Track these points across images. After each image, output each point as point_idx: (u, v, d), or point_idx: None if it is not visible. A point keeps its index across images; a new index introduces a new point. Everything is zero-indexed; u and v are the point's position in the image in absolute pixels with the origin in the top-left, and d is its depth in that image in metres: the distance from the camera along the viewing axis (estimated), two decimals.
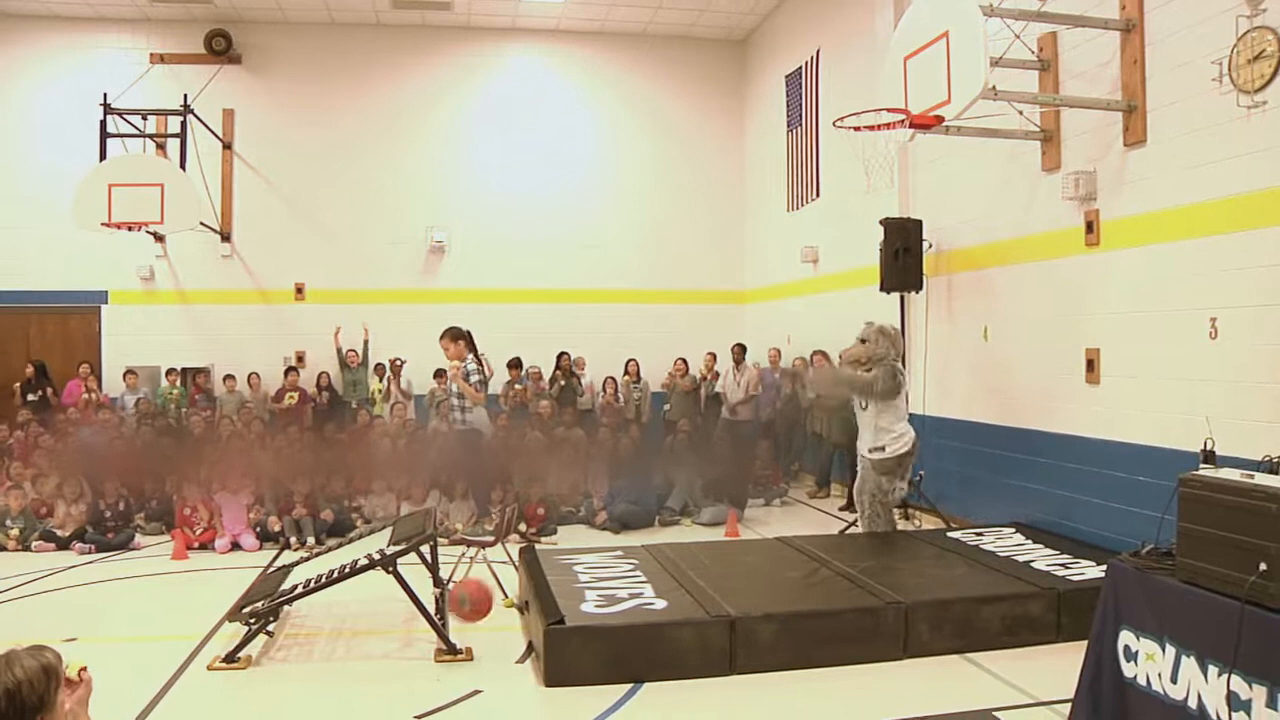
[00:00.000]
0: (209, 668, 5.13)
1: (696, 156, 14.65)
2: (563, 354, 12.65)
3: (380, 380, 12.68)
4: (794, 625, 5.12)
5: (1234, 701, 3.32)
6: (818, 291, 11.74)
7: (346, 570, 5.53)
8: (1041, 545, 6.68)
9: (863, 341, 7.45)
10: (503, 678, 5.01)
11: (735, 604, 5.22)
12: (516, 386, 12.20)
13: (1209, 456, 3.99)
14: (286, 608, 5.82)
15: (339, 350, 12.83)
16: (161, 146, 12.66)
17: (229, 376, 12.51)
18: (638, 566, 6.19)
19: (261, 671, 5.17)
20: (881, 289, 8.93)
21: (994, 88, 6.40)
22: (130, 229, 11.32)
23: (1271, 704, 3.20)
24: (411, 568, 5.63)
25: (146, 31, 13.40)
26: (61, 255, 12.90)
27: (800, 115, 12.41)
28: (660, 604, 5.32)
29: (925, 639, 5.24)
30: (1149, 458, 6.21)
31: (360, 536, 6.89)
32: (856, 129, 7.25)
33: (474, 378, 8.34)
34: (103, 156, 11.74)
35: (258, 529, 8.49)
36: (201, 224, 12.26)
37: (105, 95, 11.92)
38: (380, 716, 4.58)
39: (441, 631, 5.33)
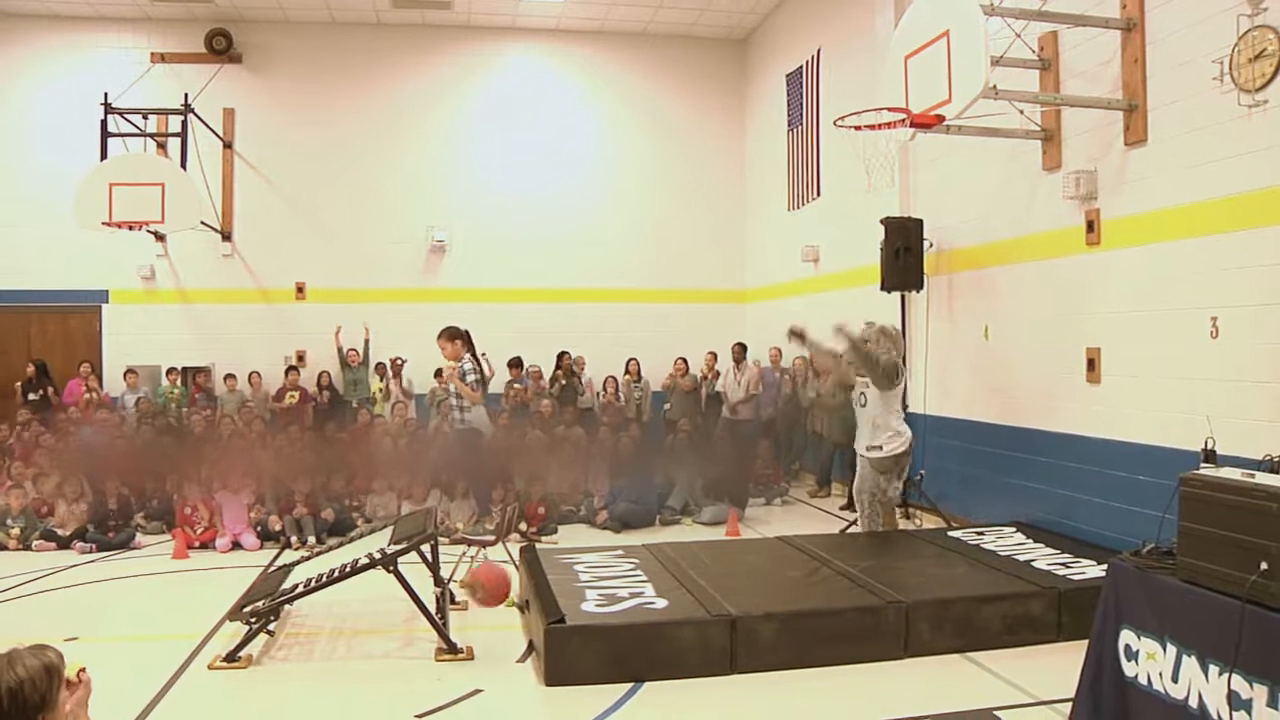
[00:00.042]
0: (210, 667, 5.13)
1: (697, 156, 14.65)
2: (563, 353, 12.64)
3: (381, 380, 12.69)
4: (795, 624, 5.12)
5: (1235, 701, 3.32)
6: (818, 291, 11.74)
7: (347, 569, 5.53)
8: (1042, 544, 6.68)
9: (864, 341, 7.46)
10: (503, 677, 5.01)
11: (736, 603, 5.22)
12: (516, 386, 12.21)
13: (1210, 456, 3.99)
14: (287, 607, 5.82)
15: (340, 349, 12.84)
16: (162, 146, 12.66)
17: (230, 376, 12.51)
18: (638, 566, 6.19)
19: (262, 671, 5.17)
20: (882, 288, 8.93)
21: (995, 87, 6.40)
22: (131, 228, 11.33)
23: (1272, 703, 3.20)
24: (412, 567, 5.63)
25: (147, 31, 13.40)
26: (62, 255, 12.90)
27: (801, 114, 12.41)
28: (661, 603, 5.32)
29: (926, 638, 5.24)
30: (1150, 457, 6.21)
31: (361, 536, 6.90)
32: (857, 128, 7.24)
33: (470, 377, 8.32)
34: (103, 156, 11.74)
35: (258, 528, 8.50)
36: (202, 223, 12.27)
37: (106, 95, 11.93)
38: (381, 716, 4.58)
39: (442, 631, 5.33)
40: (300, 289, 13.72)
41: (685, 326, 13.97)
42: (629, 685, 4.79)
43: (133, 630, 6.00)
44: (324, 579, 5.55)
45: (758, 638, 5.03)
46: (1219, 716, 3.40)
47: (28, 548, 8.22)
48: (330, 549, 6.53)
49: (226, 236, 13.53)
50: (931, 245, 8.95)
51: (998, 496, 7.97)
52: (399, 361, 12.59)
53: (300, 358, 13.30)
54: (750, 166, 14.59)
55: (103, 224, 11.13)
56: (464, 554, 6.90)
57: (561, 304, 13.98)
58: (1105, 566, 4.33)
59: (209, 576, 7.44)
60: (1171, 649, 3.63)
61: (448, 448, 9.04)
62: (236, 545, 8.33)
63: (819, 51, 11.82)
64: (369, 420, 11.11)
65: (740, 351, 11.95)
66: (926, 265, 8.85)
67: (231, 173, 13.62)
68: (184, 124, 12.31)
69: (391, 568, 5.38)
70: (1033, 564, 6.12)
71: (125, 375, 12.40)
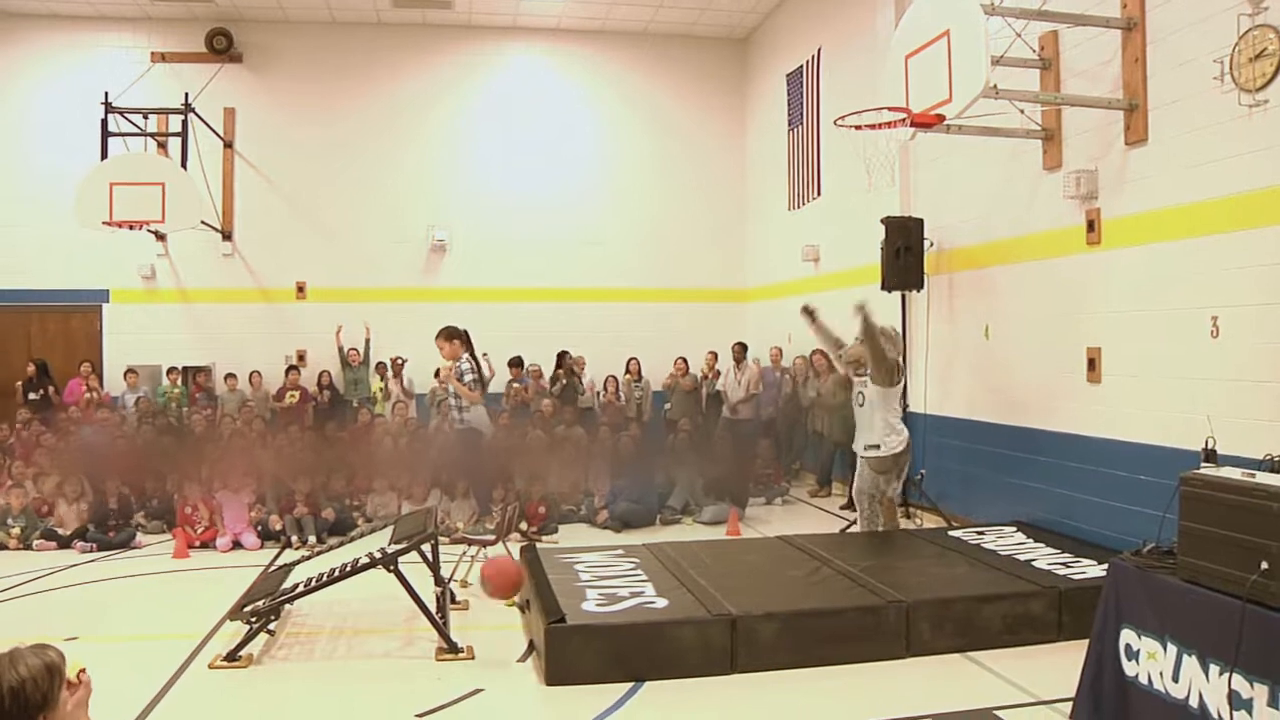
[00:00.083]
0: (210, 666, 5.14)
1: (698, 155, 14.65)
2: (564, 353, 12.64)
3: (381, 379, 12.70)
4: (795, 624, 5.12)
5: (1235, 700, 3.32)
6: (819, 290, 11.70)
7: (348, 569, 5.53)
8: (1043, 544, 6.68)
9: (862, 342, 7.47)
10: (504, 676, 5.01)
11: (736, 603, 5.22)
12: (515, 385, 12.22)
13: (1210, 455, 3.99)
14: (288, 606, 5.82)
15: (340, 349, 12.84)
16: (163, 145, 12.66)
17: (230, 375, 12.52)
18: (639, 565, 6.19)
19: (263, 670, 5.17)
20: (883, 288, 8.93)
21: (995, 86, 6.39)
22: (131, 228, 11.33)
23: (1273, 703, 3.20)
24: (413, 566, 5.63)
25: (147, 30, 13.40)
26: (63, 254, 12.90)
27: (801, 114, 12.41)
28: (661, 603, 5.32)
29: (927, 638, 5.24)
30: (1150, 456, 6.21)
31: (361, 535, 6.90)
32: (858, 128, 7.24)
33: (468, 377, 8.31)
34: (104, 155, 11.73)
35: (259, 527, 8.50)
36: (203, 223, 12.27)
37: (106, 94, 11.92)
38: (381, 715, 4.59)
39: (443, 630, 5.33)
40: (301, 288, 13.72)
41: (686, 326, 13.98)
42: (629, 685, 4.79)
43: (133, 630, 6.00)
44: (324, 578, 5.56)
45: (758, 637, 5.03)
46: (1219, 716, 3.40)
47: (28, 547, 8.23)
48: (331, 548, 6.53)
49: (227, 236, 13.54)
50: (932, 245, 8.95)
51: (998, 496, 7.97)
52: (399, 361, 12.60)
53: (301, 357, 13.31)
54: (751, 166, 14.59)
55: (103, 223, 11.13)
56: (464, 553, 6.90)
57: (562, 303, 13.98)
58: (1106, 566, 4.34)
59: (209, 576, 7.44)
60: (1172, 648, 3.63)
61: (447, 448, 9.04)
62: (237, 545, 8.33)
63: (819, 51, 11.82)
64: (369, 420, 11.12)
65: (740, 351, 11.95)
66: (927, 265, 8.85)
67: (232, 172, 13.62)
68: (184, 123, 12.30)
69: (392, 567, 5.38)
70: (1033, 563, 6.12)
71: (125, 375, 12.40)
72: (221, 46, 13.39)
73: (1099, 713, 3.99)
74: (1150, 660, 3.74)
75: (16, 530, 8.31)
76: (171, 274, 13.48)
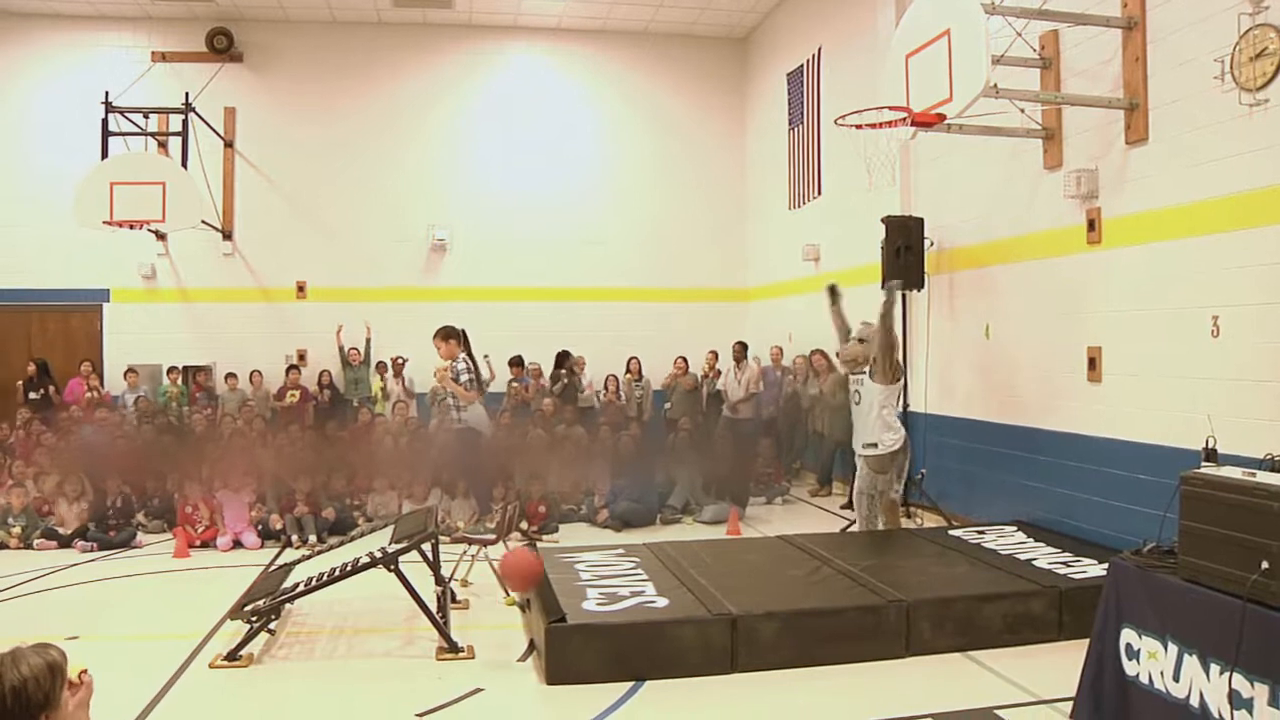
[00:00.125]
0: (211, 666, 5.14)
1: (698, 154, 14.65)
2: (565, 352, 12.63)
3: (381, 378, 12.71)
4: (796, 623, 5.12)
5: (1236, 700, 3.32)
6: (819, 290, 11.69)
7: (348, 568, 5.54)
8: (1043, 543, 6.68)
9: (861, 341, 7.49)
10: (504, 676, 5.01)
11: (737, 602, 5.22)
12: (514, 384, 12.22)
13: (1211, 455, 3.99)
14: (288, 606, 5.82)
15: (341, 348, 12.85)
16: (163, 145, 12.66)
17: (231, 375, 12.52)
18: (639, 565, 6.19)
19: (263, 670, 5.18)
20: (883, 287, 8.91)
21: (995, 86, 6.39)
22: (132, 227, 11.32)
23: (1273, 702, 3.20)
24: (413, 566, 5.64)
25: (148, 30, 13.40)
26: (63, 254, 12.90)
27: (802, 113, 12.40)
28: (662, 602, 5.32)
29: (927, 637, 5.24)
30: (1151, 456, 6.21)
31: (362, 534, 6.90)
32: (858, 127, 7.24)
33: (464, 377, 8.30)
34: (104, 155, 11.73)
35: (259, 527, 8.50)
36: (203, 222, 12.27)
37: (107, 94, 11.92)
38: (382, 714, 4.59)
39: (443, 629, 5.33)
40: (301, 288, 13.73)
41: (686, 325, 13.98)
42: (630, 684, 4.79)
43: (134, 629, 6.00)
44: (325, 578, 5.56)
45: (759, 637, 5.03)
46: (1220, 715, 3.40)
47: (29, 546, 8.23)
48: (331, 548, 6.53)
49: (227, 235, 13.54)
50: (932, 244, 8.94)
51: (999, 495, 7.97)
52: (400, 360, 12.61)
53: (301, 357, 13.31)
54: (751, 165, 14.59)
55: (104, 223, 11.13)
56: (464, 552, 6.90)
57: (562, 303, 13.98)
58: (1106, 565, 4.34)
59: (210, 575, 7.44)
60: (1173, 648, 3.63)
61: (445, 447, 9.04)
62: (237, 544, 8.33)
63: (820, 50, 11.82)
64: (370, 419, 11.12)
65: (741, 350, 11.94)
66: (927, 264, 8.85)
67: (232, 172, 13.62)
68: (185, 123, 12.31)
69: (392, 566, 5.38)
70: (1034, 563, 6.12)
71: (126, 374, 12.40)
72: (222, 46, 13.39)
73: (1099, 712, 3.99)
74: (1151, 660, 3.74)
75: (17, 529, 8.32)
76: (172, 273, 13.48)
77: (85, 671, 2.20)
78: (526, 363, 12.61)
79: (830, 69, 11.55)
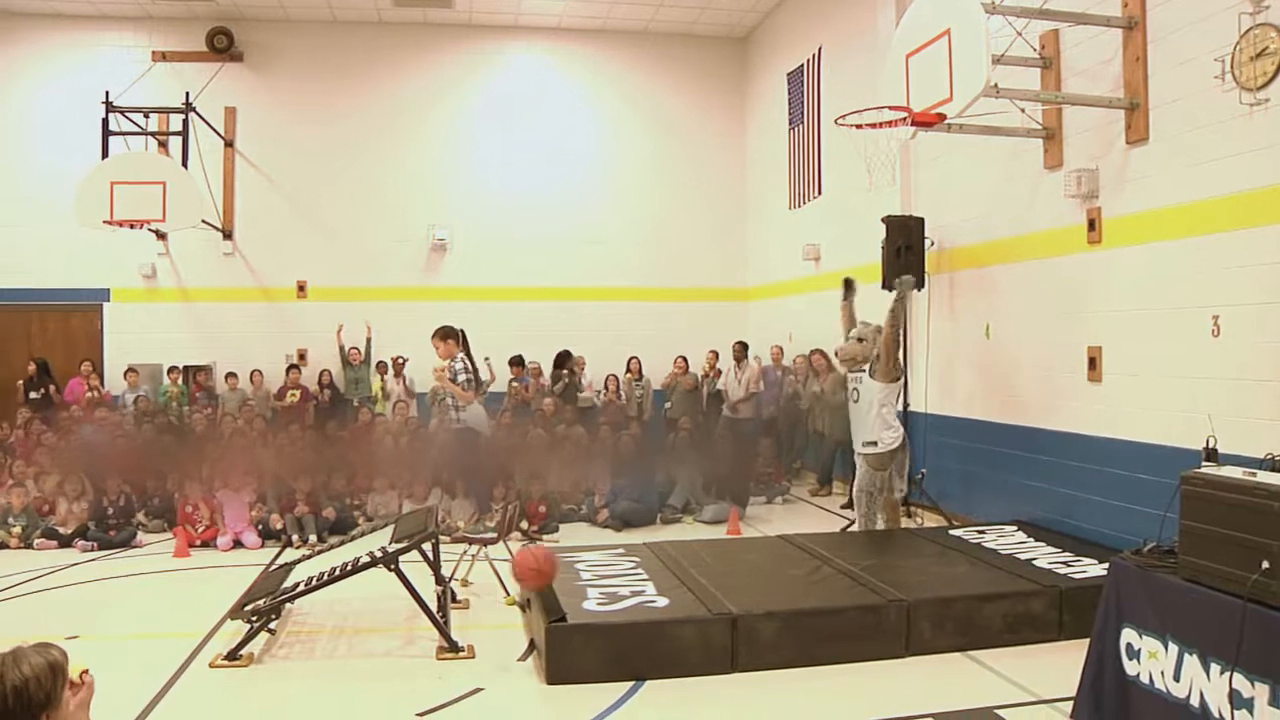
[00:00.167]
0: (211, 665, 5.14)
1: (698, 154, 14.65)
2: (566, 352, 12.63)
3: (382, 378, 12.71)
4: (796, 623, 5.12)
5: (1236, 700, 3.32)
6: (820, 289, 11.72)
7: (348, 568, 5.54)
8: (1044, 543, 6.68)
9: (860, 340, 7.50)
10: (504, 676, 5.01)
11: (737, 602, 5.22)
12: (515, 384, 12.22)
13: (1211, 454, 3.99)
14: (288, 605, 5.82)
15: (341, 348, 12.85)
16: (163, 144, 12.66)
17: (231, 374, 12.51)
18: (639, 564, 6.20)
19: (263, 669, 5.18)
20: (884, 287, 8.89)
21: (996, 85, 6.39)
22: (132, 227, 11.32)
23: (1274, 702, 3.20)
24: (413, 565, 5.64)
25: (148, 29, 13.40)
26: (63, 253, 12.90)
27: (802, 113, 12.40)
28: (662, 602, 5.33)
29: (927, 637, 5.24)
30: (1151, 455, 6.21)
31: (362, 534, 6.90)
32: (858, 126, 7.24)
33: (461, 377, 8.30)
34: (105, 154, 11.73)
35: (260, 526, 8.50)
36: (203, 222, 12.27)
37: (107, 93, 11.92)
38: (382, 714, 4.59)
39: (443, 629, 5.33)
40: (301, 287, 13.73)
41: (687, 325, 13.98)
42: (630, 684, 4.79)
43: (134, 628, 6.00)
44: (325, 577, 5.56)
45: (759, 636, 5.03)
46: (1221, 715, 3.40)
47: (29, 546, 8.23)
48: (331, 547, 6.53)
49: (228, 235, 13.54)
50: (933, 244, 8.94)
51: (999, 495, 7.97)
52: (400, 360, 12.61)
53: (301, 356, 13.31)
54: (751, 165, 14.59)
55: (104, 222, 11.13)
56: (465, 552, 6.90)
57: (563, 302, 13.99)
58: (1106, 565, 4.34)
59: (210, 575, 7.44)
60: (1173, 648, 3.63)
61: (444, 447, 9.04)
62: (238, 544, 8.33)
63: (820, 50, 11.82)
64: (370, 419, 11.12)
65: (741, 350, 11.94)
66: (928, 264, 8.84)
67: (233, 171, 13.62)
68: (185, 122, 12.31)
69: (393, 566, 5.38)
70: (1034, 563, 6.12)
71: (126, 374, 12.40)
72: (222, 45, 13.39)
73: (1100, 712, 3.99)
74: (1151, 659, 3.74)
75: (17, 529, 8.32)
76: (172, 273, 13.48)
77: (86, 671, 2.20)
78: (526, 362, 12.60)
79: (830, 69, 11.55)
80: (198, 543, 8.28)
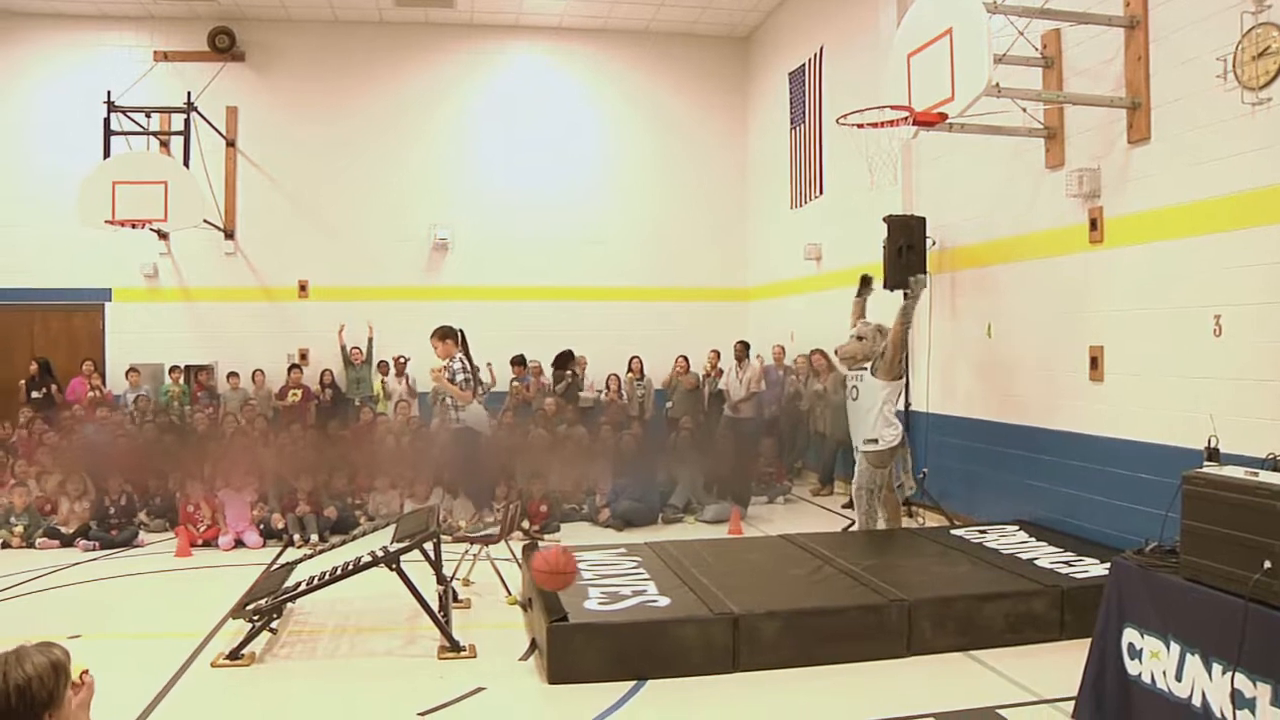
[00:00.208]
0: (213, 665, 5.14)
1: (700, 154, 14.65)
2: (568, 352, 12.63)
3: (384, 377, 12.72)
4: (797, 623, 5.12)
5: (1238, 699, 3.32)
6: (821, 289, 11.73)
7: (350, 567, 5.54)
8: (1045, 543, 6.68)
9: (860, 339, 7.51)
10: (506, 675, 5.01)
11: (739, 601, 5.22)
12: (516, 384, 12.22)
13: (1213, 454, 3.99)
14: (290, 605, 5.82)
15: (343, 347, 12.86)
16: (165, 144, 12.67)
17: (233, 374, 12.52)
18: (641, 564, 6.20)
19: (265, 668, 5.18)
20: (885, 286, 8.90)
21: (997, 85, 6.39)
22: (134, 226, 11.33)
23: (1276, 702, 3.20)
24: (415, 565, 5.64)
25: (150, 29, 13.41)
26: (65, 253, 12.91)
27: (803, 112, 12.40)
28: (663, 601, 5.32)
29: (929, 636, 5.24)
30: (1153, 455, 6.20)
31: (363, 534, 6.90)
32: (860, 126, 7.24)
33: (459, 377, 8.30)
34: (107, 154, 11.73)
35: (261, 526, 8.50)
36: (205, 221, 12.28)
37: (109, 93, 11.92)
38: (383, 713, 4.59)
39: (445, 629, 5.33)
40: (303, 287, 13.73)
41: (688, 324, 13.99)
42: (631, 683, 4.79)
43: (136, 628, 6.01)
44: (326, 577, 5.56)
45: (760, 636, 5.03)
46: (1222, 715, 3.40)
47: (31, 545, 8.24)
48: (333, 547, 6.53)
49: (229, 235, 13.54)
50: (934, 243, 8.93)
51: (1000, 495, 7.97)
52: (401, 360, 12.61)
53: (303, 356, 13.32)
54: (753, 164, 14.58)
55: (106, 222, 11.13)
56: (466, 552, 6.90)
57: (564, 302, 13.99)
58: (1108, 565, 4.34)
59: (212, 574, 7.45)
60: (1175, 647, 3.63)
61: (443, 447, 9.04)
62: (239, 543, 8.33)
63: (821, 49, 11.81)
64: (372, 418, 11.12)
65: (742, 349, 11.94)
66: (929, 263, 8.84)
67: (234, 171, 13.63)
68: (187, 122, 12.31)
69: (394, 566, 5.38)
70: (1035, 562, 6.12)
71: (128, 374, 12.40)
72: (224, 45, 13.40)
73: (1101, 712, 3.99)
74: (1153, 659, 3.74)
75: (19, 528, 8.33)
76: (174, 273, 13.49)
77: (86, 672, 2.20)
78: (527, 361, 12.59)
79: (832, 68, 11.54)
80: (199, 542, 8.29)
